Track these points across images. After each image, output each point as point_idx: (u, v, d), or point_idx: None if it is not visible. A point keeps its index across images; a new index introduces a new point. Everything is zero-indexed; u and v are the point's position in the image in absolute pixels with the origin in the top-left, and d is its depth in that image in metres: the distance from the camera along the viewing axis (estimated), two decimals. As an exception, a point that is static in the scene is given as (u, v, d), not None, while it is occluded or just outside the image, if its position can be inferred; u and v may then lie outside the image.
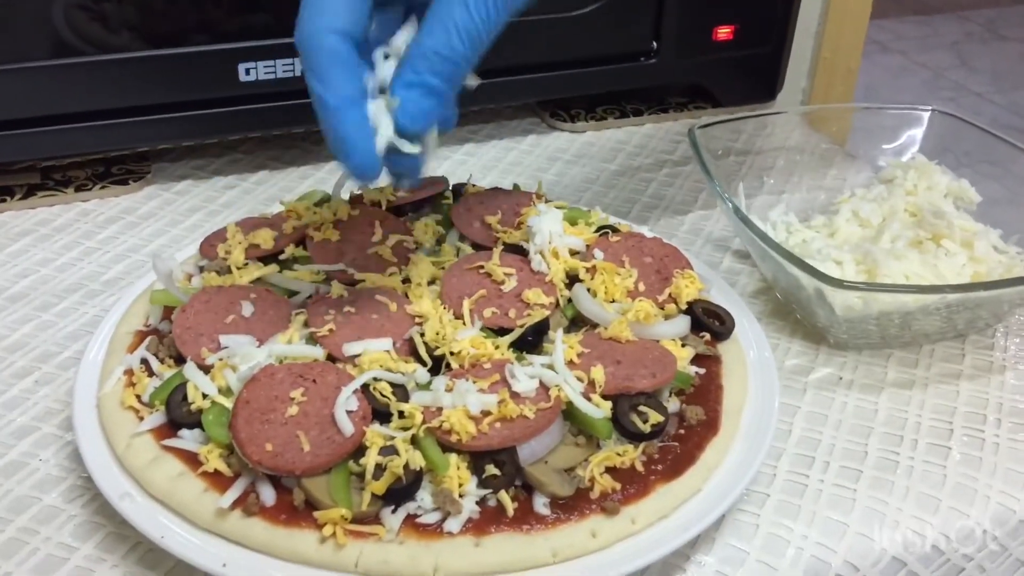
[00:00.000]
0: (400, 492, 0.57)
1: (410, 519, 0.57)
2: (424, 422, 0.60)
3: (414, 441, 0.60)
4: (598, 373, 0.64)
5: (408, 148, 0.60)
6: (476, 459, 0.59)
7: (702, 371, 0.69)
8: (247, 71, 0.93)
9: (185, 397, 0.63)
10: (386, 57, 0.61)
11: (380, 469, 0.57)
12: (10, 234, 0.91)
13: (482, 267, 0.74)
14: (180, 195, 0.99)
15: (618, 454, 0.61)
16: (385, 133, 0.60)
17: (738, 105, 1.18)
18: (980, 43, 3.99)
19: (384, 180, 0.63)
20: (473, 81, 0.62)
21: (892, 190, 0.87)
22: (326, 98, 0.58)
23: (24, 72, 0.87)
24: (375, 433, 0.59)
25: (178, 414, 0.62)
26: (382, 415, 0.61)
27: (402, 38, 0.61)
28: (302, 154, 1.07)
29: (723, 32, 1.11)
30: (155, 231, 0.93)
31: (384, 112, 0.60)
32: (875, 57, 3.65)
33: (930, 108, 0.92)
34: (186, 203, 0.97)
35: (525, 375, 0.63)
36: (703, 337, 0.72)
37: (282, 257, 0.76)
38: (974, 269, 0.77)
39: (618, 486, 0.60)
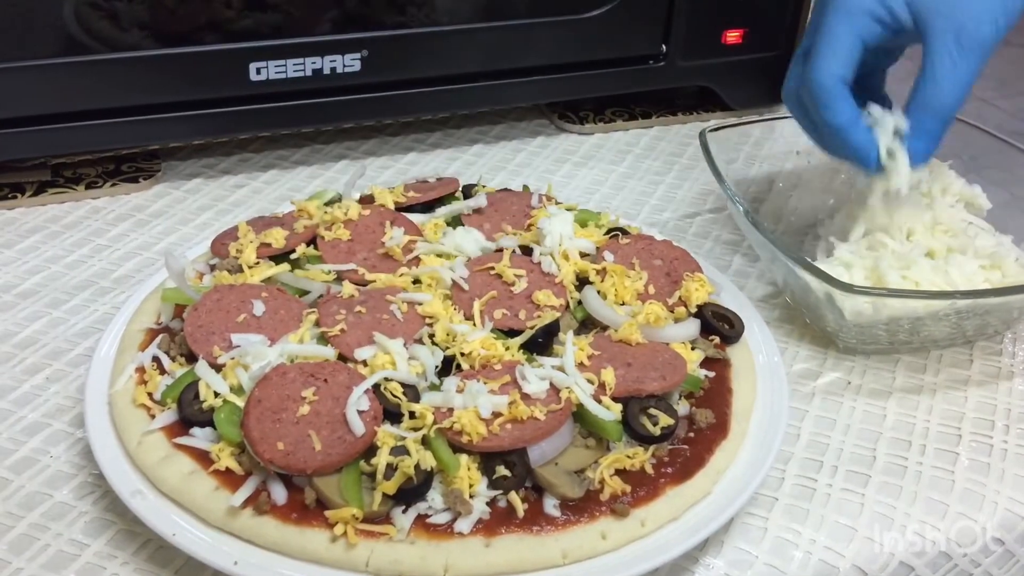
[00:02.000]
0: (411, 492, 0.57)
1: (421, 519, 0.58)
2: (435, 422, 0.60)
3: (425, 441, 0.60)
4: (608, 375, 0.64)
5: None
6: (486, 460, 0.60)
7: (711, 374, 0.69)
8: (258, 71, 0.93)
9: (197, 395, 0.63)
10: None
11: (391, 469, 0.58)
12: (21, 231, 0.91)
13: (492, 268, 0.74)
14: (190, 193, 0.99)
15: (628, 456, 0.61)
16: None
17: (747, 108, 1.18)
18: (986, 49, 3.98)
19: None
20: None
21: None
22: (836, 120, 0.75)
23: (35, 70, 0.88)
24: (386, 433, 0.59)
25: (190, 412, 0.62)
26: (393, 415, 0.61)
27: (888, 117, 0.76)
28: (311, 153, 1.07)
29: (732, 36, 1.11)
30: (165, 229, 0.93)
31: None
32: (881, 61, 3.64)
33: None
34: (196, 201, 0.98)
35: (536, 376, 0.63)
36: (712, 340, 0.72)
37: (293, 256, 0.76)
38: (985, 275, 0.77)
39: (628, 488, 0.60)
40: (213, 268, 0.76)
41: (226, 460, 0.60)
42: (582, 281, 0.75)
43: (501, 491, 0.59)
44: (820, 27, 0.76)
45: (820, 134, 0.79)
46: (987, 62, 0.74)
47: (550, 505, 0.59)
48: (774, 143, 0.99)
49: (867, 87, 0.80)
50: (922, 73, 0.74)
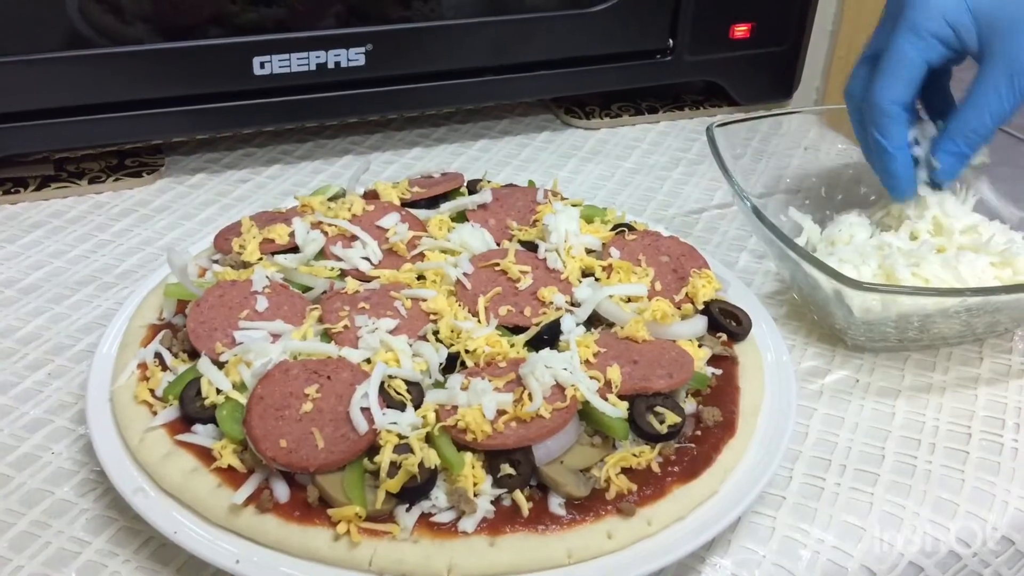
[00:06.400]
0: (415, 490, 0.57)
1: (424, 518, 0.57)
2: (439, 420, 0.59)
3: (429, 439, 0.59)
4: (614, 373, 0.63)
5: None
6: (491, 458, 0.59)
7: (719, 372, 0.68)
8: (261, 64, 0.93)
9: (199, 392, 0.62)
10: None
11: (395, 467, 0.57)
12: (23, 225, 0.91)
13: (497, 264, 0.73)
14: (194, 188, 0.98)
15: (634, 455, 0.61)
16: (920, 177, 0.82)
17: (754, 104, 1.17)
18: (994, 44, 3.96)
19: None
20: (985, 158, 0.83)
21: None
22: (887, 147, 0.79)
23: (38, 63, 0.87)
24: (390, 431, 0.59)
25: (192, 409, 0.62)
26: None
27: (929, 130, 0.82)
28: (316, 148, 1.06)
29: (740, 30, 1.11)
30: (168, 224, 0.93)
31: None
32: (888, 57, 3.61)
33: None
34: (200, 197, 0.97)
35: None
36: (720, 338, 0.71)
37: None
38: (996, 273, 0.76)
39: (634, 487, 0.59)
40: (216, 263, 0.75)
41: (228, 458, 0.59)
42: (588, 276, 0.74)
43: (506, 490, 0.58)
44: (888, 46, 0.78)
45: (867, 147, 0.83)
46: None
47: (555, 504, 0.58)
48: (781, 139, 0.98)
49: (930, 91, 0.83)
50: (968, 96, 0.77)
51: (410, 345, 0.65)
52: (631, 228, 0.80)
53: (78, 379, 0.73)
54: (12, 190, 0.94)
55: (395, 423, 0.59)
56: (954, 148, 0.79)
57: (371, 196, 0.83)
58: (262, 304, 0.68)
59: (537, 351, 0.65)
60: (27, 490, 0.64)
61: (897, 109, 0.79)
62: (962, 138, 0.78)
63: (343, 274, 0.73)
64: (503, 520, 0.57)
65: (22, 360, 0.75)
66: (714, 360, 0.69)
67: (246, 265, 0.73)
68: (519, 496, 0.58)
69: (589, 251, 0.76)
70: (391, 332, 0.66)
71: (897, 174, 0.81)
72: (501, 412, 0.60)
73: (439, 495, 0.58)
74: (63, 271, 0.85)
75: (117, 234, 0.91)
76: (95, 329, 0.78)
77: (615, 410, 0.61)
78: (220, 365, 0.64)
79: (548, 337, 0.67)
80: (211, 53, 0.92)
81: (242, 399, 0.61)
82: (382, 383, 0.61)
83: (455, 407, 0.60)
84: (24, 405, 0.71)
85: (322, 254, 0.75)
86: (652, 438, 0.62)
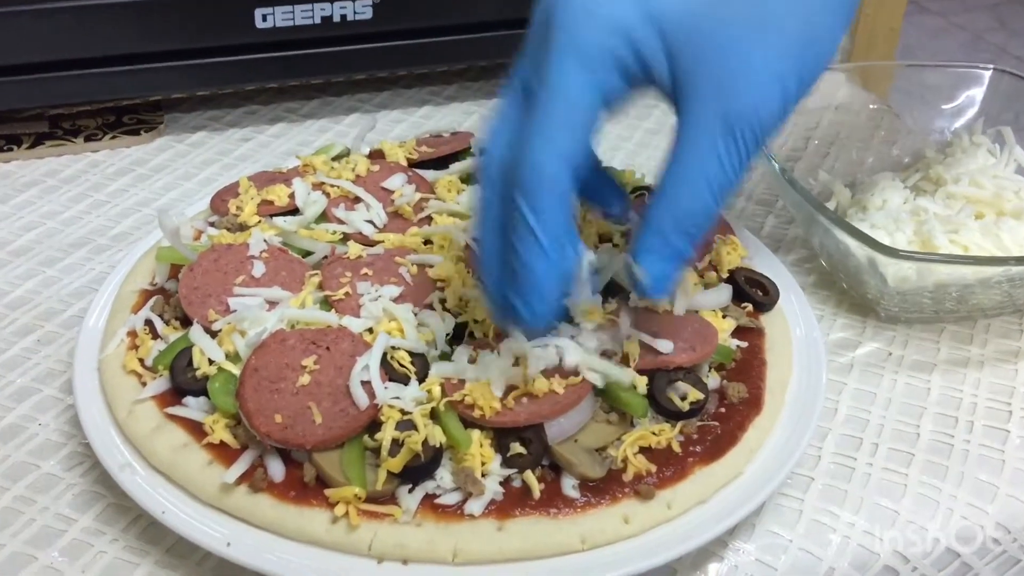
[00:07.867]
0: (418, 470, 0.54)
1: (428, 499, 0.54)
2: (445, 395, 0.56)
3: (434, 415, 0.56)
4: (633, 346, 0.59)
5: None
6: (500, 436, 0.56)
7: (744, 344, 0.65)
8: (264, 17, 0.89)
9: (190, 362, 0.59)
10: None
11: (397, 445, 0.53)
12: (16, 185, 0.88)
13: (509, 228, 0.69)
14: (194, 147, 0.95)
15: (654, 433, 0.57)
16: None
17: (780, 61, 1.12)
18: (1021, 5, 3.88)
19: None
20: None
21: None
22: (535, 228, 0.50)
23: (32, 15, 0.84)
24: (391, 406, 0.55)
25: (182, 380, 0.59)
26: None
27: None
28: (321, 106, 1.02)
29: (766, -17, 1.05)
30: (167, 184, 0.89)
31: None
32: (913, 17, 3.55)
33: (991, 67, 0.86)
34: (200, 155, 0.93)
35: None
36: (745, 308, 0.67)
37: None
38: (1039, 240, 0.72)
39: (653, 468, 0.56)
40: (212, 226, 0.72)
41: (220, 433, 0.56)
42: (605, 242, 0.70)
43: (516, 470, 0.55)
44: (546, 73, 0.51)
45: (504, 234, 0.53)
46: (767, 142, 0.53)
47: (568, 486, 0.55)
48: (809, 97, 0.93)
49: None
50: (673, 162, 0.52)
51: (415, 314, 0.61)
52: (651, 191, 0.75)
53: (68, 346, 0.70)
54: (5, 148, 0.91)
55: (398, 398, 0.55)
56: (663, 245, 0.52)
57: (376, 156, 0.79)
58: (259, 269, 0.65)
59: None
60: (11, 463, 0.61)
61: (559, 170, 0.50)
62: (673, 228, 0.52)
63: (345, 238, 0.69)
64: (512, 503, 0.54)
65: (10, 325, 0.72)
66: (739, 332, 0.65)
67: (243, 228, 0.70)
68: (530, 477, 0.55)
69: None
70: (395, 300, 0.62)
71: (537, 280, 0.51)
72: (511, 387, 0.56)
73: (444, 475, 0.54)
74: (56, 232, 0.82)
75: (113, 194, 0.87)
76: (87, 293, 0.75)
77: (630, 374, 0.58)
78: (213, 334, 0.60)
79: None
80: (211, 4, 0.88)
81: (235, 370, 0.58)
82: (384, 355, 0.58)
83: (462, 381, 0.57)
84: (11, 373, 0.68)
85: (323, 217, 0.71)
86: (673, 415, 0.58)
